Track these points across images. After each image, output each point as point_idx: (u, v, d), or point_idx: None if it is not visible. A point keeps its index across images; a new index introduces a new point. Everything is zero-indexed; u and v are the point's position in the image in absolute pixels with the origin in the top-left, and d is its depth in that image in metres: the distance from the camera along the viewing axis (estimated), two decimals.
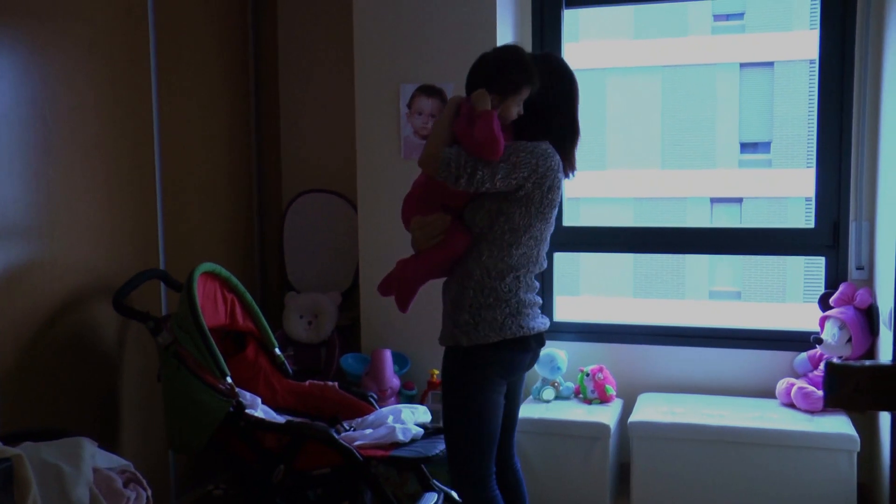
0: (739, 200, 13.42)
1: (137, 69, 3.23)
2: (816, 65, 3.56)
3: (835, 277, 3.58)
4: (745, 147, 13.72)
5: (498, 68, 2.45)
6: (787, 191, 12.51)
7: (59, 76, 2.84)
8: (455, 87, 3.54)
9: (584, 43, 12.92)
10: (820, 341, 3.43)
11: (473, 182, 2.41)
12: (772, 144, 13.52)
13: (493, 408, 2.53)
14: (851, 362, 0.90)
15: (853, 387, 0.87)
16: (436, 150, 2.44)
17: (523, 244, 2.50)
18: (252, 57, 4.03)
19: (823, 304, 3.53)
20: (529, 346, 2.56)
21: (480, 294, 2.49)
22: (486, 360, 2.49)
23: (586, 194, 12.11)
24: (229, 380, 2.90)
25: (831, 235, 3.57)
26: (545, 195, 2.47)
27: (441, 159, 2.42)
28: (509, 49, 2.54)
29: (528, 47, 3.83)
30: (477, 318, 2.48)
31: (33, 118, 2.73)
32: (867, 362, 0.94)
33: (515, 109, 2.47)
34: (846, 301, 3.43)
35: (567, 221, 3.88)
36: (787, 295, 12.89)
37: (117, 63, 3.12)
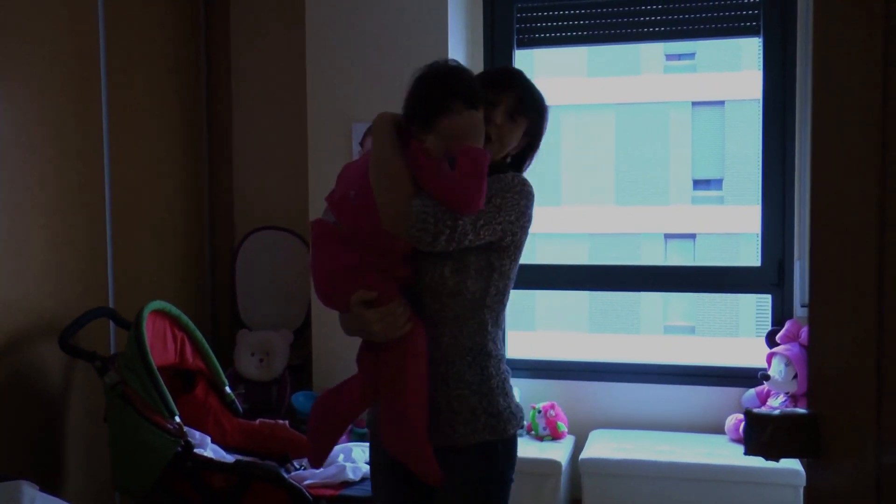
0: (693, 236, 13.60)
1: (87, 106, 3.22)
2: (757, 105, 3.65)
3: (781, 315, 3.64)
4: (698, 184, 13.95)
5: (469, 80, 2.02)
6: (739, 227, 12.70)
7: (6, 114, 2.82)
8: None
9: (539, 80, 13.07)
10: (767, 378, 3.47)
11: (455, 238, 1.91)
12: (724, 181, 13.76)
13: None
14: (768, 410, 0.92)
15: (770, 435, 0.89)
16: (403, 203, 1.89)
17: (508, 299, 2.17)
18: (205, 95, 4.03)
19: (770, 340, 3.58)
20: None
21: (498, 370, 2.09)
22: (516, 446, 2.14)
23: (541, 230, 12.21)
24: (177, 419, 2.86)
25: (777, 273, 3.64)
26: (526, 237, 2.13)
27: (414, 215, 1.88)
28: (451, 65, 2.12)
29: None
30: (508, 399, 2.09)
31: None
32: (786, 410, 0.96)
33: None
34: (792, 338, 3.49)
35: (521, 259, 3.89)
36: (740, 329, 13.05)
37: (67, 101, 3.10)
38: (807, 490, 0.98)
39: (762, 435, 0.90)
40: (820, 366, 0.95)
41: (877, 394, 0.75)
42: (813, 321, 0.96)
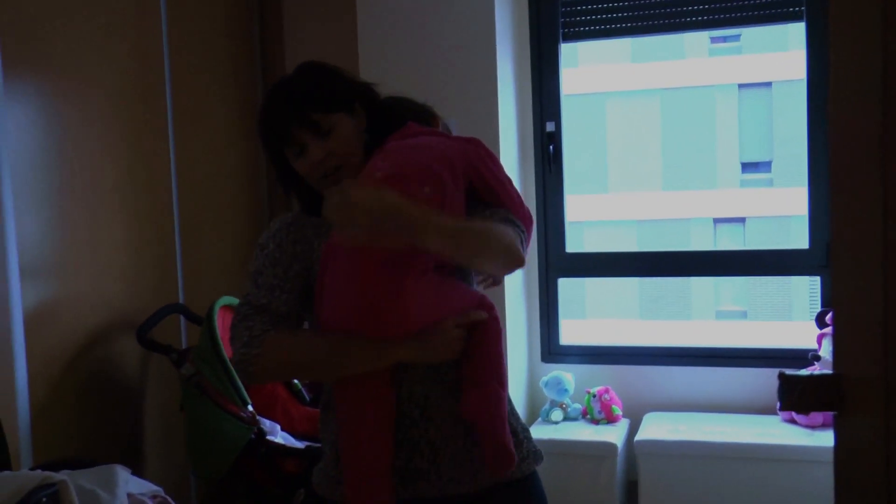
0: (742, 220, 13.53)
1: (154, 113, 3.38)
2: (804, 86, 3.66)
3: (830, 295, 3.69)
4: (747, 167, 13.87)
5: None
6: (789, 209, 12.65)
7: (80, 122, 2.99)
8: (458, 124, 3.68)
9: (583, 68, 13.12)
10: (818, 358, 3.53)
11: None
12: (773, 164, 13.65)
13: None
14: (798, 372, 1.05)
15: (799, 392, 1.02)
16: (510, 238, 1.73)
17: None
18: (261, 97, 4.18)
19: (820, 321, 3.63)
20: None
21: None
22: None
23: (589, 218, 12.25)
24: (251, 408, 3.02)
25: (825, 255, 3.69)
26: None
27: (515, 244, 1.74)
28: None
29: (527, 80, 3.98)
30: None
31: (57, 162, 2.88)
32: (814, 372, 1.09)
33: None
34: None
35: (571, 247, 4.00)
36: (794, 313, 12.96)
37: (135, 108, 3.27)
38: (835, 442, 1.10)
39: (793, 393, 1.03)
40: (842, 333, 1.07)
41: (883, 357, 0.87)
42: (835, 296, 1.08)
